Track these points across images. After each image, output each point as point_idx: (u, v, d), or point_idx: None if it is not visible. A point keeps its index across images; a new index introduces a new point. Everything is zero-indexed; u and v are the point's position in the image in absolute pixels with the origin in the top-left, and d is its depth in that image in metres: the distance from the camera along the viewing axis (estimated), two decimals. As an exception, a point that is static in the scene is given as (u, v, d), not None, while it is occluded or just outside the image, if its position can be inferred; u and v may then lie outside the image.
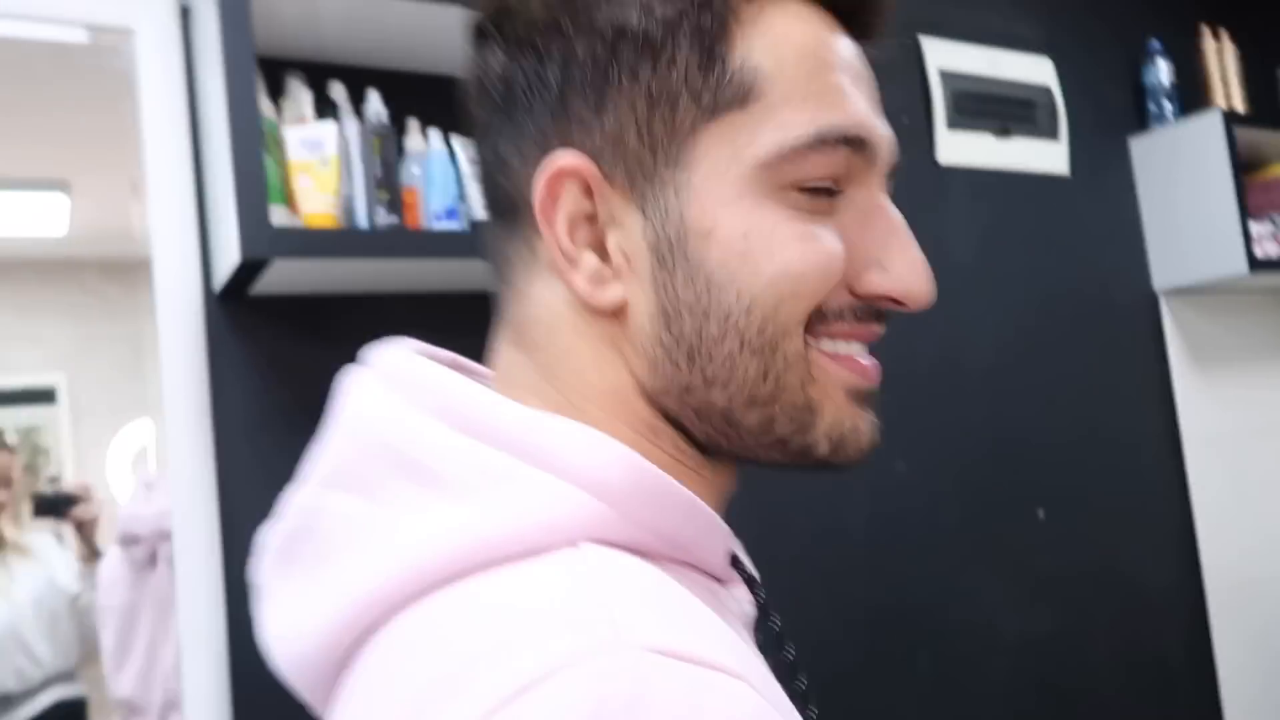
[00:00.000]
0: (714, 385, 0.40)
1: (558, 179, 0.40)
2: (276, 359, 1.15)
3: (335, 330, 1.19)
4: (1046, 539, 1.75)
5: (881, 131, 0.42)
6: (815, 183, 0.40)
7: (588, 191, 0.40)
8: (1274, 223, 1.97)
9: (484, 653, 0.31)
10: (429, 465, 0.37)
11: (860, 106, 0.42)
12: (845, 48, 0.43)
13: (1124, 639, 1.81)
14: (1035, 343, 1.80)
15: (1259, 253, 1.88)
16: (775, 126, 0.39)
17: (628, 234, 0.41)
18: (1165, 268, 1.97)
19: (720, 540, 0.41)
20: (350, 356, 1.36)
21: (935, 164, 1.73)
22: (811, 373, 0.41)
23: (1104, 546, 1.82)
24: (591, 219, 0.41)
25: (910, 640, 1.58)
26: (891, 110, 1.63)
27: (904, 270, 0.42)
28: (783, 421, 0.41)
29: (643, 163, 0.40)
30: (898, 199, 0.44)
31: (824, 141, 0.40)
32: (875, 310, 0.43)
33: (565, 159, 0.40)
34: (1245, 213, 1.87)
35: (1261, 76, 2.25)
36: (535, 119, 0.41)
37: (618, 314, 0.41)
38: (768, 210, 0.40)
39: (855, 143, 0.41)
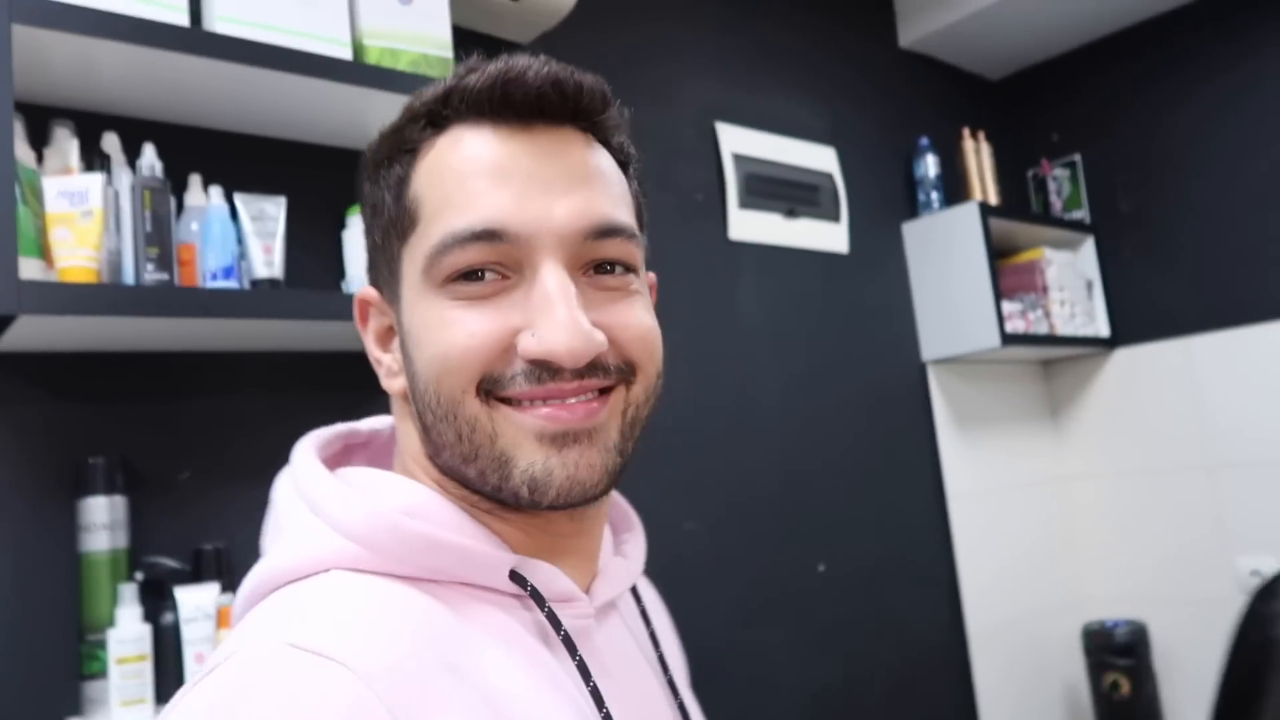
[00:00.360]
0: (441, 450, 0.52)
1: (361, 306, 0.57)
2: (23, 420, 1.09)
3: (98, 390, 1.14)
4: (827, 591, 1.86)
5: (529, 215, 0.49)
6: (464, 273, 0.49)
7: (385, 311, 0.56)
8: (1022, 302, 2.23)
9: (225, 642, 0.46)
10: (280, 521, 0.53)
11: (492, 204, 0.49)
12: (495, 151, 0.50)
13: (897, 682, 1.95)
14: (816, 405, 1.94)
15: (1009, 328, 2.12)
16: (426, 238, 0.50)
17: (399, 339, 0.54)
18: (931, 340, 2.18)
19: (479, 565, 0.50)
20: (112, 416, 1.30)
21: (727, 240, 1.86)
22: (497, 429, 0.50)
23: (878, 597, 1.96)
24: (393, 329, 0.55)
25: (698, 694, 1.63)
26: (688, 188, 1.75)
27: (545, 333, 0.48)
28: (490, 473, 0.50)
29: (391, 285, 0.54)
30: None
31: (454, 242, 0.49)
32: (553, 369, 0.49)
33: (361, 292, 0.57)
34: (998, 293, 2.11)
35: (1013, 174, 2.56)
36: (366, 267, 0.58)
37: (406, 399, 0.54)
38: (434, 305, 0.50)
39: (486, 235, 0.49)
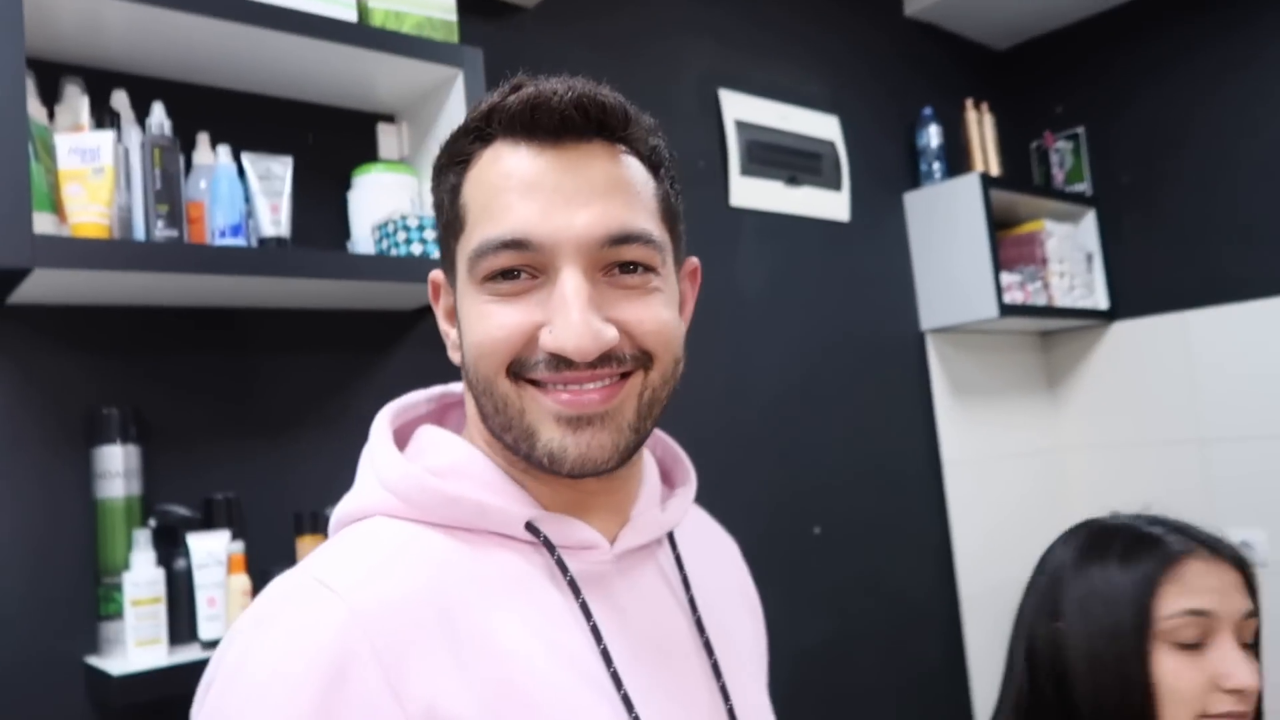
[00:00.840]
0: (486, 418, 0.60)
1: (433, 286, 0.66)
2: (39, 371, 1.12)
3: (111, 343, 1.17)
4: (822, 554, 1.91)
5: (552, 226, 0.55)
6: (497, 274, 0.57)
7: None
8: (1021, 273, 2.25)
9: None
10: (358, 473, 0.63)
11: (520, 216, 0.56)
12: (526, 167, 0.57)
13: (889, 643, 1.99)
14: (815, 372, 1.97)
15: (1008, 299, 2.14)
16: (470, 240, 0.58)
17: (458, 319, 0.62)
18: (930, 309, 2.20)
19: (495, 518, 0.58)
20: (124, 369, 1.33)
21: (728, 206, 1.87)
22: (524, 406, 0.57)
23: (872, 559, 2.00)
24: (455, 309, 0.63)
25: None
26: (690, 154, 1.76)
27: (560, 331, 0.55)
28: (520, 442, 0.58)
29: (450, 274, 0.62)
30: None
31: (489, 248, 0.56)
32: (568, 361, 0.55)
33: (432, 274, 0.65)
34: (998, 264, 2.12)
35: (1015, 146, 2.57)
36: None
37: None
38: (476, 299, 0.58)
39: (514, 244, 0.56)
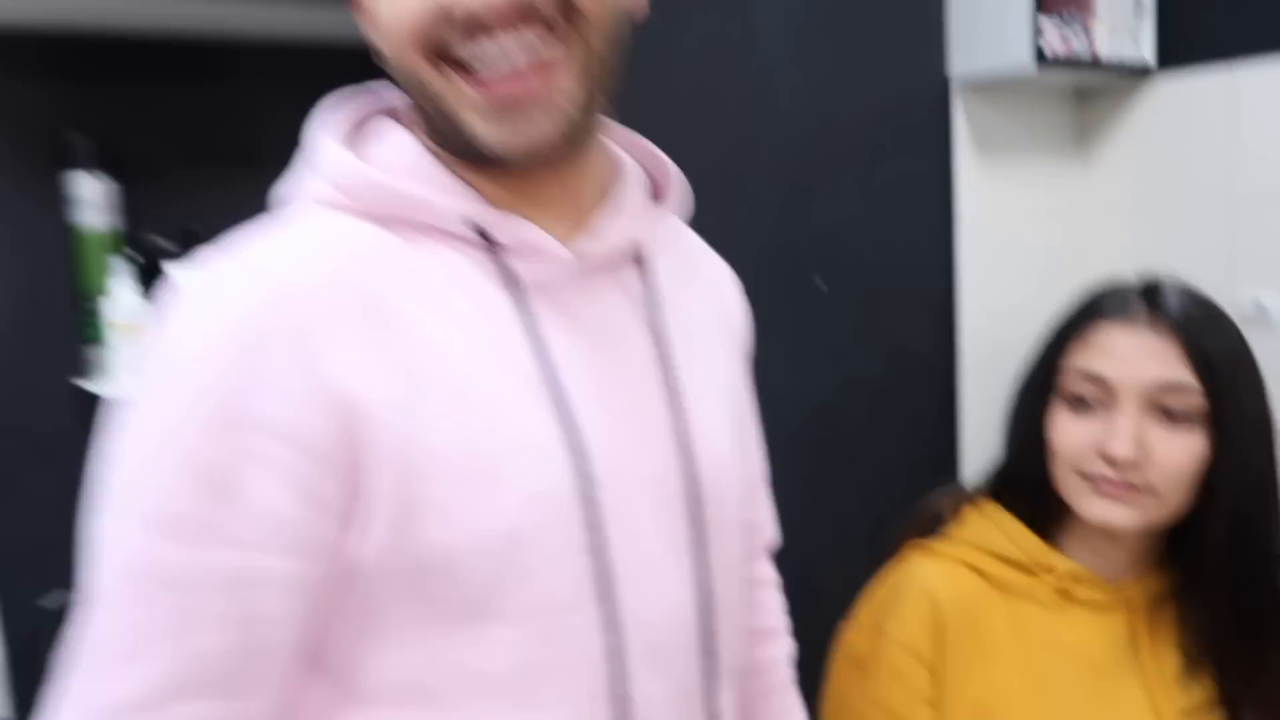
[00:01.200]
0: (414, 101, 0.57)
1: None
2: (6, 100, 1.08)
3: (77, 73, 1.11)
4: (825, 308, 1.90)
5: None
6: None
7: None
8: (1063, 20, 2.06)
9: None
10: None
11: None
12: None
13: (884, 398, 2.03)
14: (831, 118, 1.87)
15: (1047, 50, 1.98)
16: None
17: None
18: (960, 58, 2.05)
19: (436, 211, 0.55)
20: (96, 102, 1.26)
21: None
22: (444, 90, 0.53)
23: (874, 315, 1.99)
24: None
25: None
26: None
27: None
28: (449, 127, 0.54)
29: None
30: None
31: None
32: (483, 25, 0.50)
33: None
34: (1038, 7, 1.94)
35: None
36: None
37: None
38: None
39: None
